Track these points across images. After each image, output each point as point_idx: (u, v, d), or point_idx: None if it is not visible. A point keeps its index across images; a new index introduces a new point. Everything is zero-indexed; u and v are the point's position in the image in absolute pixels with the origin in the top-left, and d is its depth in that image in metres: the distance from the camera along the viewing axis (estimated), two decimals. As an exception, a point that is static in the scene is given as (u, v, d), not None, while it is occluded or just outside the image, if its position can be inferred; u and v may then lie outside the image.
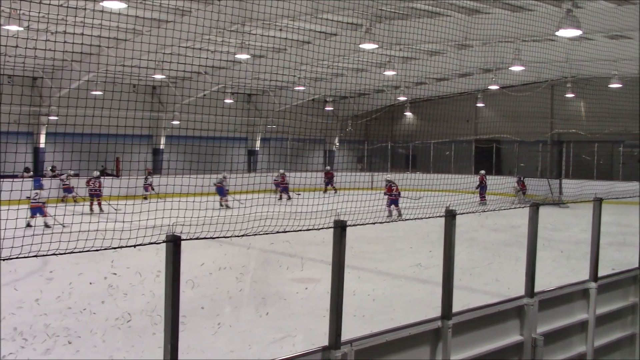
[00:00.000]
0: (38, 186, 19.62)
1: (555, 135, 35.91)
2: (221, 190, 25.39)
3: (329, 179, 33.21)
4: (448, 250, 6.20)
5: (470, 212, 9.13)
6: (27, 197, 18.79)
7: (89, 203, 23.12)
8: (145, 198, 22.75)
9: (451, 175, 28.72)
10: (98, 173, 24.09)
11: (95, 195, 23.54)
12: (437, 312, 6.15)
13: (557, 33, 15.88)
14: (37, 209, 18.36)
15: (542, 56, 21.68)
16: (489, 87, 31.28)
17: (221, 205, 24.04)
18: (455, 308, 6.17)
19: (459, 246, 6.23)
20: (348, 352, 5.23)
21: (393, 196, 20.65)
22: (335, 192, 27.82)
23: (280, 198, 26.77)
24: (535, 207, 7.02)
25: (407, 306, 9.56)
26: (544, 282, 7.87)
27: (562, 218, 21.73)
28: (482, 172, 28.49)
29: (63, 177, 25.79)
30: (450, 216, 6.18)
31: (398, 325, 5.83)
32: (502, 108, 34.84)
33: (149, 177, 26.86)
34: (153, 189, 25.23)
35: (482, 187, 27.29)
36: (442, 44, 24.48)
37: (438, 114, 34.66)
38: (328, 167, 35.30)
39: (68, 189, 25.49)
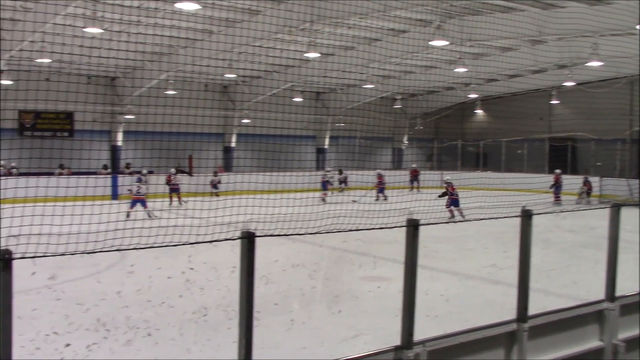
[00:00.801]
0: (139, 180, 20.68)
1: (635, 133, 34.43)
2: (324, 185, 27.17)
3: (414, 177, 32.25)
4: (524, 251, 6.07)
5: (547, 213, 8.91)
6: (129, 191, 20.19)
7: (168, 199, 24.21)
8: (217, 195, 23.20)
9: (524, 174, 28.04)
10: (175, 170, 24.96)
11: (174, 190, 24.48)
12: (511, 314, 6.03)
13: (638, 26, 15.25)
14: (139, 201, 19.83)
15: (621, 51, 20.84)
16: (564, 84, 30.33)
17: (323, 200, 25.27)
18: (531, 311, 6.03)
19: (534, 247, 6.09)
20: (420, 352, 5.19)
21: (454, 195, 20.46)
22: (419, 191, 28.22)
23: (377, 199, 26.40)
24: (616, 208, 6.78)
25: (480, 307, 9.41)
26: (626, 286, 7.58)
27: (640, 220, 20.84)
28: (558, 171, 27.68)
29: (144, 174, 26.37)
30: (526, 216, 6.05)
31: (472, 327, 5.75)
32: (578, 105, 33.76)
33: (215, 176, 27.17)
34: (216, 187, 25.81)
35: (557, 187, 26.55)
36: (515, 39, 23.91)
37: (510, 112, 33.85)
38: (414, 165, 34.44)
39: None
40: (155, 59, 27.10)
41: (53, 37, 19.63)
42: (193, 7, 17.64)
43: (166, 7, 19.10)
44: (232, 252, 5.36)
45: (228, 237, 4.93)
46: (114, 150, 31.72)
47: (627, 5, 18.12)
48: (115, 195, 24.48)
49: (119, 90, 30.77)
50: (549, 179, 27.22)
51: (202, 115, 27.27)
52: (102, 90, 29.80)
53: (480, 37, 21.87)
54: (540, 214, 6.92)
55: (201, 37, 24.02)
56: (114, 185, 25.42)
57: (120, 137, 31.83)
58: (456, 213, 20.00)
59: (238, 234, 4.46)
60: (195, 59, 24.42)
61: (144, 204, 19.83)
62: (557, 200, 25.80)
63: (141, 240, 5.45)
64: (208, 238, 5.41)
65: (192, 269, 10.56)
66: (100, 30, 18.90)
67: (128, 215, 18.42)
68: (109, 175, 26.65)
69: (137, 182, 20.48)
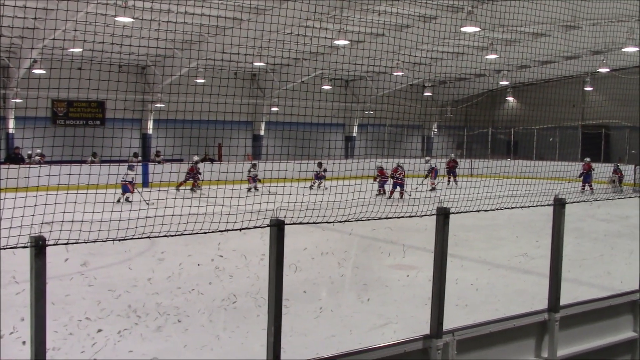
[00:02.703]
0: (130, 168, 21.13)
1: (671, 120, 33.68)
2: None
3: (451, 168, 29.46)
4: (556, 240, 5.98)
5: (580, 202, 8.76)
6: (123, 180, 20.67)
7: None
8: (250, 190, 23.13)
9: (555, 162, 27.61)
10: (198, 158, 25.19)
11: (194, 178, 24.83)
12: (542, 304, 5.96)
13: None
14: (125, 187, 20.55)
15: (658, 36, 20.36)
16: (599, 70, 29.74)
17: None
18: (563, 301, 5.95)
19: (566, 236, 6.00)
20: (450, 341, 5.17)
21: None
22: (457, 185, 25.97)
23: (378, 193, 24.18)
24: (652, 197, 6.64)
25: (511, 297, 9.32)
26: (661, 276, 7.45)
27: (678, 208, 20.40)
28: (587, 159, 27.24)
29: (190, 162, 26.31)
30: (559, 205, 5.96)
31: (502, 317, 5.70)
32: (613, 92, 33.02)
33: (252, 169, 26.01)
34: (255, 181, 25.06)
35: (587, 176, 26.12)
36: (548, 25, 23.47)
37: (542, 99, 33.27)
38: (452, 155, 31.45)
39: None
40: (185, 47, 27.25)
41: (85, 27, 19.83)
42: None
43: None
44: (262, 240, 5.39)
45: (257, 225, 4.95)
46: (145, 139, 32.06)
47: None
48: (146, 183, 24.74)
49: (149, 78, 31.05)
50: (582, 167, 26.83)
51: (231, 103, 27.34)
52: (133, 79, 30.10)
53: (512, 23, 21.45)
54: (574, 202, 6.81)
55: (231, 25, 24.06)
56: (145, 173, 25.68)
57: (150, 125, 32.15)
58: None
59: (267, 221, 4.47)
60: (225, 47, 24.47)
61: (126, 189, 20.49)
62: (589, 189, 25.43)
63: (171, 228, 5.49)
64: (237, 226, 5.44)
65: (221, 256, 10.63)
66: (130, 20, 19.05)
67: (118, 200, 19.51)
68: (140, 163, 26.93)
69: (128, 169, 20.93)
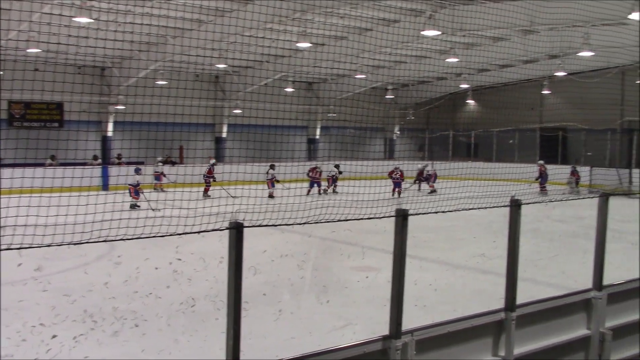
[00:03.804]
0: (136, 170, 20.96)
1: (625, 123, 34.54)
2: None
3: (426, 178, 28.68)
4: (513, 240, 6.07)
5: (536, 202, 8.93)
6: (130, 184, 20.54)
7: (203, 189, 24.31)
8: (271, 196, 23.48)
9: (515, 164, 28.11)
10: (214, 161, 25.52)
11: (157, 179, 25.08)
12: (500, 303, 6.04)
13: (629, 16, 15.25)
14: (135, 191, 20.42)
15: (613, 41, 20.86)
16: (556, 74, 30.37)
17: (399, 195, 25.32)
18: (519, 300, 6.04)
19: (523, 237, 6.09)
20: (409, 341, 5.20)
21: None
22: (435, 193, 26.12)
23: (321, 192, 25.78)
24: (604, 198, 6.79)
25: (469, 297, 9.44)
26: (614, 275, 7.60)
27: (632, 209, 20.90)
28: (541, 162, 27.87)
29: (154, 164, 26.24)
30: (515, 206, 6.05)
31: (460, 316, 5.75)
32: (569, 95, 33.84)
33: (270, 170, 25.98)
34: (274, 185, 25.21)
35: (542, 178, 26.76)
36: (507, 29, 23.88)
37: (501, 102, 33.89)
38: (420, 165, 29.87)
39: (158, 177, 25.93)
40: (146, 48, 26.93)
41: (43, 27, 19.44)
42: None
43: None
44: (221, 243, 5.34)
45: (216, 227, 4.91)
46: (104, 141, 31.57)
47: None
48: (105, 186, 24.38)
49: (109, 80, 30.58)
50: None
51: (193, 106, 27.12)
52: (93, 81, 29.61)
53: (471, 27, 21.81)
54: (529, 203, 6.92)
55: (192, 27, 23.87)
56: (104, 176, 25.31)
57: (110, 127, 31.67)
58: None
59: (226, 224, 4.45)
60: (186, 48, 24.28)
61: (136, 193, 20.25)
62: (543, 190, 26.01)
63: (128, 231, 5.41)
64: (196, 229, 5.38)
65: (179, 259, 10.53)
66: (90, 20, 18.75)
67: (133, 207, 19.51)
68: (100, 166, 26.54)
69: (135, 172, 20.81)
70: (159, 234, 5.13)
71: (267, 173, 24.78)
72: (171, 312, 8.39)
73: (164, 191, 23.97)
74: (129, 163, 27.39)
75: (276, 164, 24.54)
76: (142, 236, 5.14)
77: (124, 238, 5.06)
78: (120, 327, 7.69)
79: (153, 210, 18.29)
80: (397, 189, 25.59)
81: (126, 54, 27.97)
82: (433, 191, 26.54)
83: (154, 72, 28.24)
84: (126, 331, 7.60)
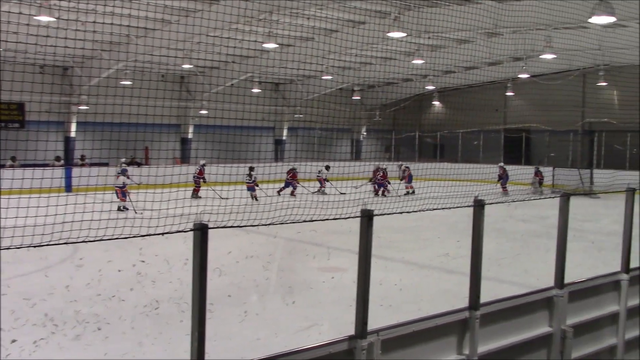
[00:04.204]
0: (122, 172, 20.56)
1: (586, 124, 35.29)
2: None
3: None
4: (476, 240, 6.13)
5: (499, 202, 9.05)
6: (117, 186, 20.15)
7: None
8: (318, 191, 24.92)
9: (480, 165, 28.48)
10: (204, 162, 25.38)
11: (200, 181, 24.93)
12: (465, 302, 6.09)
13: (590, 20, 15.56)
14: (122, 193, 20.02)
15: (574, 44, 21.29)
16: (519, 76, 30.87)
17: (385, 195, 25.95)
18: (483, 299, 6.10)
19: (487, 236, 6.16)
20: (374, 341, 5.21)
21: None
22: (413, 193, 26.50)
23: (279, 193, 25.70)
24: (565, 197, 6.91)
25: (434, 296, 9.51)
26: (575, 273, 7.74)
27: (592, 209, 21.40)
28: (501, 164, 28.35)
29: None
30: (479, 206, 6.11)
31: (425, 316, 5.79)
32: (533, 97, 34.41)
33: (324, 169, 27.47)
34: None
35: (503, 178, 27.21)
36: (471, 32, 24.19)
37: (467, 103, 34.31)
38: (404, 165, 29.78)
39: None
40: (110, 48, 26.55)
41: (2, 26, 19.03)
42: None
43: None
44: (185, 245, 5.29)
45: (180, 229, 4.85)
46: (67, 142, 31.02)
47: (580, 0, 18.50)
48: (68, 187, 23.96)
49: (73, 80, 30.07)
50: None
51: (158, 106, 26.87)
52: (55, 80, 29.09)
53: (437, 29, 22.03)
54: (492, 203, 7.01)
55: (157, 27, 23.61)
56: (67, 177, 24.87)
57: (73, 128, 31.14)
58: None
59: (191, 225, 4.40)
60: (152, 48, 24.00)
61: (123, 195, 19.92)
62: (504, 191, 26.44)
63: (90, 233, 5.32)
64: (160, 230, 5.32)
65: (143, 261, 10.40)
66: (51, 19, 18.41)
67: (120, 209, 19.29)
68: (62, 167, 26.08)
69: (119, 173, 20.47)
70: (122, 236, 5.05)
71: (320, 172, 26.78)
72: (135, 314, 8.27)
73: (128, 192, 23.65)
74: (92, 164, 27.03)
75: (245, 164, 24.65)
76: (105, 238, 5.06)
77: (86, 240, 4.97)
78: (82, 331, 7.55)
79: (136, 212, 18.07)
80: (381, 189, 26.11)
81: (89, 53, 27.54)
82: (410, 192, 26.68)
83: (118, 72, 27.87)
84: (88, 335, 7.47)
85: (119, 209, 19.18)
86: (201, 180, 24.21)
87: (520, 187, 26.98)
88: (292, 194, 25.67)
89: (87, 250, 11.85)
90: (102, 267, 10.42)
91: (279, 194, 25.08)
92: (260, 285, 10.19)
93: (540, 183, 27.58)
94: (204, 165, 24.75)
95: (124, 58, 25.66)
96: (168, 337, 7.44)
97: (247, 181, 23.21)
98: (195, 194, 23.43)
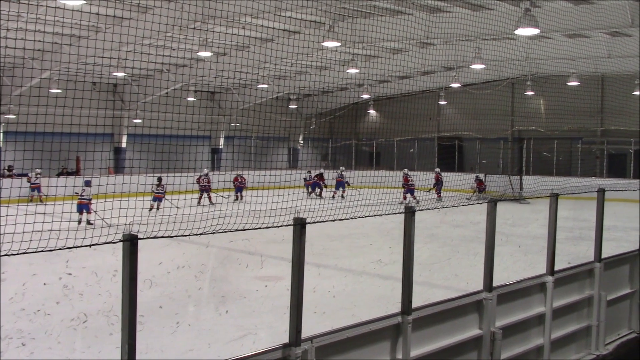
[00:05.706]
0: (87, 183, 19.05)
1: (515, 132, 36.50)
2: (341, 184, 28.48)
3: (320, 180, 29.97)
4: (408, 246, 6.24)
5: (428, 209, 9.22)
6: (75, 193, 18.95)
7: (198, 197, 25.17)
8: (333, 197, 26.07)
9: (415, 172, 28.95)
10: (207, 170, 26.56)
11: (205, 190, 25.57)
12: (398, 307, 6.18)
13: (516, 32, 16.11)
14: (84, 206, 18.55)
15: (502, 54, 22.00)
16: (451, 85, 31.61)
17: (342, 197, 27.83)
18: (416, 303, 6.21)
19: (420, 242, 6.28)
20: (308, 349, 5.23)
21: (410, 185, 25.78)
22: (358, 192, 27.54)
23: (236, 199, 25.82)
24: (492, 203, 7.11)
25: (368, 302, 9.58)
26: (502, 276, 7.99)
27: (521, 214, 22.06)
28: (437, 170, 28.92)
29: (31, 175, 25.18)
30: (409, 212, 6.23)
31: (358, 322, 5.85)
32: (464, 106, 35.30)
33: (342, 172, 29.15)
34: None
35: (438, 185, 27.78)
36: (404, 42, 24.64)
37: (401, 112, 34.91)
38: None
39: (37, 188, 24.84)
40: (38, 55, 25.74)
41: None
42: (77, 2, 16.83)
43: (49, 3, 18.11)
44: (114, 256, 5.17)
45: (109, 240, 4.74)
46: (-7, 152, 29.88)
47: (506, 12, 19.14)
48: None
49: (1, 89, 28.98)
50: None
51: (91, 116, 26.20)
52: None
53: (371, 39, 22.36)
54: (422, 210, 7.15)
55: (88, 35, 23.04)
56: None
57: (0, 137, 30.01)
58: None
59: (120, 236, 4.32)
60: (82, 56, 23.38)
61: (87, 209, 18.40)
62: (438, 197, 26.99)
63: (13, 246, 5.12)
64: (87, 242, 5.18)
65: (70, 274, 10.07)
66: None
67: (79, 222, 17.54)
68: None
69: (84, 185, 18.90)
70: (48, 248, 4.89)
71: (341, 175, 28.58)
72: (62, 329, 7.99)
73: (42, 202, 22.84)
74: (20, 175, 26.09)
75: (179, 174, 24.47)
76: (29, 251, 4.89)
77: (9, 254, 4.79)
78: (5, 347, 7.24)
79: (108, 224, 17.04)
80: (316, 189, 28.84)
81: (16, 61, 26.64)
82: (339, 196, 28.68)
83: (47, 81, 27.03)
84: (12, 351, 7.17)
85: (79, 222, 17.85)
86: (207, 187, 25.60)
87: (458, 193, 27.54)
88: (320, 195, 28.87)
89: (10, 263, 11.35)
90: (27, 280, 10.01)
91: (309, 195, 28.57)
92: (192, 296, 10.04)
93: (481, 190, 28.04)
94: (207, 174, 25.86)
95: (53, 66, 24.91)
96: (97, 350, 7.24)
97: (156, 191, 22.47)
98: (209, 201, 25.22)
